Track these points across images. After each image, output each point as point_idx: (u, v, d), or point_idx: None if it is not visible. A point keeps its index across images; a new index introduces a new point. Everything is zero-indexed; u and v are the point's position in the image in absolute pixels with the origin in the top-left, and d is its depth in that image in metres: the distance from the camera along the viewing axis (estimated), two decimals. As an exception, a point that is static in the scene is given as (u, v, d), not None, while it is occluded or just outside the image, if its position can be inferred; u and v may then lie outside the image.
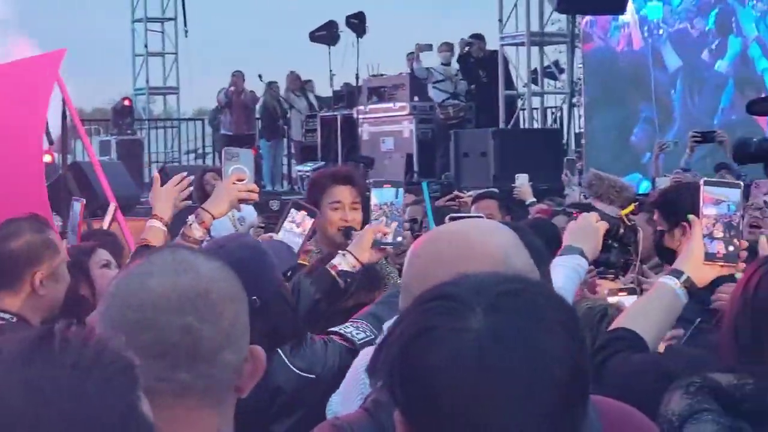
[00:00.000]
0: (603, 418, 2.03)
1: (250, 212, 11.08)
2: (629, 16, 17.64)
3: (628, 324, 3.17)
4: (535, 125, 19.15)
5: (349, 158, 18.15)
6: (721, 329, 3.03)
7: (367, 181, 5.20)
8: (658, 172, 10.61)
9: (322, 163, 18.29)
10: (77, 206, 6.19)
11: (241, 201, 4.42)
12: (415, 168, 17.54)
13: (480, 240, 2.24)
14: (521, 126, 18.70)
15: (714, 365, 2.93)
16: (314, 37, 20.64)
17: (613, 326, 3.23)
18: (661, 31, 17.87)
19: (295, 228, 4.54)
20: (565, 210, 9.05)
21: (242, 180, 4.33)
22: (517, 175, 9.37)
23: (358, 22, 19.65)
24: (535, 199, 9.17)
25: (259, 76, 20.60)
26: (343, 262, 4.24)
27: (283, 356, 3.50)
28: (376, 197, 4.30)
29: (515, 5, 18.86)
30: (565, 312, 1.70)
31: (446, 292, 1.70)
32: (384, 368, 1.69)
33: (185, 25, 24.59)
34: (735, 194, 3.26)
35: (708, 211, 3.25)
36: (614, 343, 3.08)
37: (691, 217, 3.30)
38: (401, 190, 4.32)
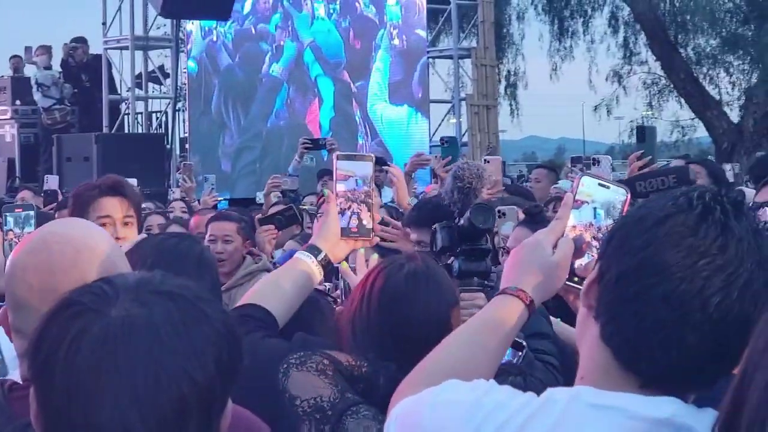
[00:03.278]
0: None
1: None
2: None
3: (258, 299, 3.09)
4: (140, 130, 19.09)
5: (-54, 163, 17.54)
6: (342, 319, 3.16)
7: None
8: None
9: None
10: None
11: None
12: (18, 173, 17.17)
13: (90, 245, 2.24)
14: (126, 130, 18.58)
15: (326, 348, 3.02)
16: None
17: (242, 301, 3.14)
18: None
19: None
20: (157, 210, 9.18)
21: None
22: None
23: (-44, 23, 18.98)
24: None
25: None
26: None
27: None
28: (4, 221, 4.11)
29: (119, 8, 18.67)
30: (220, 331, 1.66)
31: (111, 278, 1.70)
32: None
33: None
34: (364, 168, 3.26)
35: (339, 186, 3.24)
36: (244, 321, 2.93)
37: (326, 191, 3.29)
38: (31, 212, 4.11)
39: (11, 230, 4.07)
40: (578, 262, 2.29)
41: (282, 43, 18.61)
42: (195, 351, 1.61)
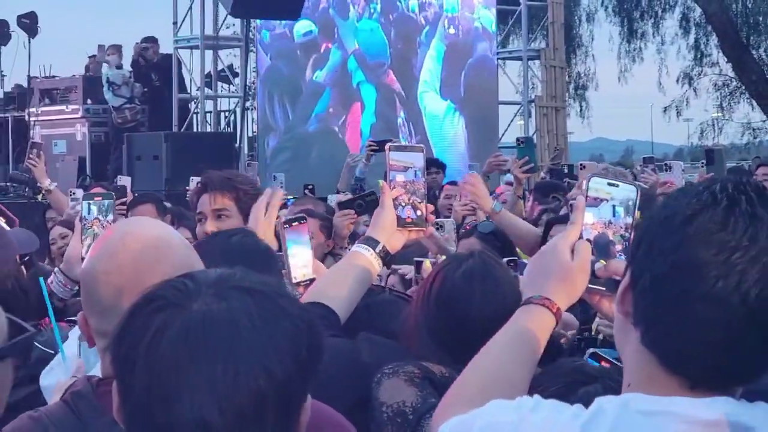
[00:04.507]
0: None
1: None
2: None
3: (320, 296, 3.09)
4: (209, 129, 19.20)
5: (19, 161, 17.73)
6: (407, 320, 3.19)
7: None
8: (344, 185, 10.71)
9: (-6, 165, 17.83)
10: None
11: None
12: (88, 171, 17.32)
13: (166, 240, 2.27)
14: (195, 129, 18.70)
15: (410, 355, 3.04)
16: (-17, 36, 20.01)
17: (304, 299, 3.10)
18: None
19: None
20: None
21: None
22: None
23: (29, 23, 19.17)
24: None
25: None
26: (54, 281, 4.12)
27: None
28: (84, 209, 4.13)
29: (190, 8, 18.79)
30: (299, 326, 1.67)
31: (193, 273, 1.73)
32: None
33: None
34: (418, 158, 3.26)
35: (399, 177, 3.25)
36: None
37: (380, 182, 3.28)
38: (111, 201, 4.17)
39: (96, 218, 4.09)
40: (598, 264, 2.27)
41: (326, 48, 18.70)
42: (273, 346, 1.62)
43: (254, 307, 1.64)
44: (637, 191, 2.33)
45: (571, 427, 1.79)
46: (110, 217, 4.09)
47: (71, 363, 3.19)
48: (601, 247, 2.28)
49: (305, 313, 1.72)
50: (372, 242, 3.20)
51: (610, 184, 2.33)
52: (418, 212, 3.24)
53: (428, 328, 3.11)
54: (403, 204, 3.23)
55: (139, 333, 1.63)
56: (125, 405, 1.65)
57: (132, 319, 1.66)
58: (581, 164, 8.33)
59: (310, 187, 10.47)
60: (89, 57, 19.39)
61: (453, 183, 9.79)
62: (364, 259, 3.17)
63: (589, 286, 2.28)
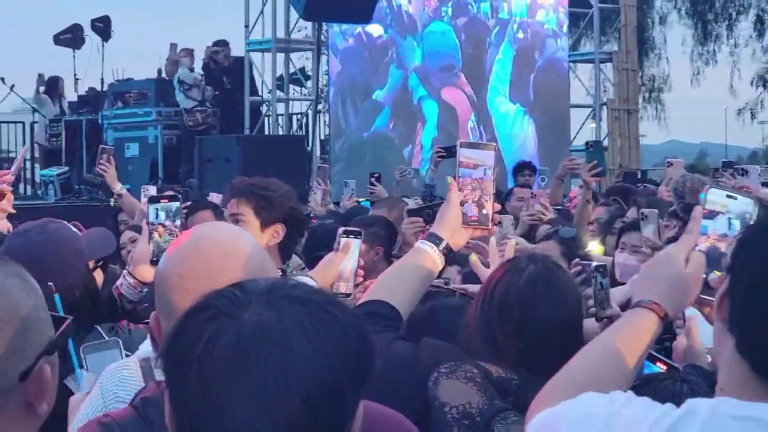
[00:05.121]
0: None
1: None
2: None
3: (384, 294, 3.08)
4: (281, 131, 19.23)
5: (93, 163, 17.88)
6: (467, 321, 3.18)
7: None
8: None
9: (67, 168, 18.00)
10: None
11: None
12: (160, 174, 17.43)
13: (238, 246, 2.25)
14: (266, 132, 18.75)
15: (468, 357, 3.03)
16: (59, 40, 20.19)
17: (367, 296, 3.12)
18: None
19: None
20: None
21: None
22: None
23: (103, 26, 19.38)
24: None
25: (1, 79, 20.07)
26: (124, 284, 4.10)
27: (102, 332, 3.67)
28: (150, 213, 4.12)
29: (261, 11, 18.83)
30: (350, 334, 1.67)
31: (243, 283, 1.73)
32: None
33: (-76, 24, 23.66)
34: (488, 157, 3.23)
35: (465, 174, 3.23)
36: (371, 319, 2.89)
37: (449, 179, 3.24)
38: (177, 204, 4.15)
39: (162, 223, 4.07)
40: (712, 275, 2.27)
41: (392, 56, 18.72)
42: (325, 355, 1.62)
43: (305, 317, 1.64)
44: (755, 204, 2.31)
45: (659, 425, 1.80)
46: (177, 221, 4.08)
47: (85, 380, 3.15)
48: (713, 260, 2.29)
49: (357, 320, 1.72)
50: (436, 239, 3.17)
51: (728, 197, 2.32)
52: (484, 211, 3.20)
53: (488, 331, 3.10)
54: (470, 202, 3.21)
55: (191, 342, 1.63)
56: (176, 413, 1.66)
57: (183, 328, 1.67)
58: (668, 162, 8.27)
59: (376, 175, 10.40)
60: (167, 60, 19.51)
61: (524, 186, 9.77)
62: (428, 256, 3.15)
63: (701, 296, 2.30)
